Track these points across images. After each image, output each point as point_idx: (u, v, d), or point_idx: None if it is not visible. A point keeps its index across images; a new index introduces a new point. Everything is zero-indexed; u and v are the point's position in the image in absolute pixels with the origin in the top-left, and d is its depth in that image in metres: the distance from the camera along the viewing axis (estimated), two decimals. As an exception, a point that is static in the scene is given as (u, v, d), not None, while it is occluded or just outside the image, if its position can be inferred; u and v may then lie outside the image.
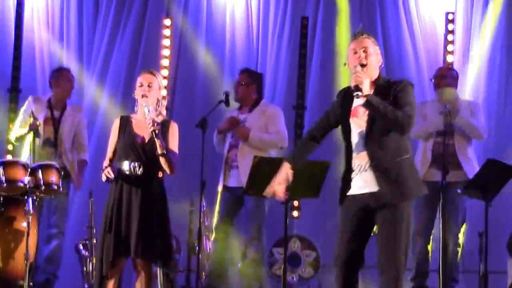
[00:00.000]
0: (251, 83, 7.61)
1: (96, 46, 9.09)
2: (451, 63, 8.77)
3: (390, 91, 4.86)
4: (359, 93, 4.76)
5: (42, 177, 6.78)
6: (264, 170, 6.28)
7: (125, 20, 9.09)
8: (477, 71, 8.86)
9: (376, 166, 4.81)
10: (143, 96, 5.61)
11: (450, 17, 8.91)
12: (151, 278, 5.64)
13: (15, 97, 8.76)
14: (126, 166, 5.58)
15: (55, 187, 6.86)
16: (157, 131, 5.45)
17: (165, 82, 8.76)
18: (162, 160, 5.54)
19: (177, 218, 7.38)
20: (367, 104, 4.75)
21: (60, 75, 7.95)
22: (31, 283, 6.64)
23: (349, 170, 4.89)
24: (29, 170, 6.78)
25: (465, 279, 7.73)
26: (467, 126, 7.34)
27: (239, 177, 7.32)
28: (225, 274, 7.57)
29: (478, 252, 7.20)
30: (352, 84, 4.80)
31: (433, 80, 7.57)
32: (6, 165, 6.87)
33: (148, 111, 5.53)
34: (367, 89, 4.79)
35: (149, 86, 5.63)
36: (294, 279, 8.09)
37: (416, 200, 6.62)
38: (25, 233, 6.52)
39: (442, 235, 6.89)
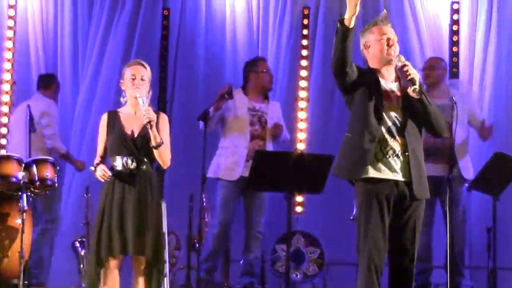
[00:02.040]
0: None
1: (90, 40, 8.87)
2: (457, 54, 8.65)
3: None
4: (417, 87, 4.66)
5: (37, 172, 6.63)
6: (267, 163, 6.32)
7: (120, 12, 8.88)
8: (483, 62, 8.69)
9: (412, 155, 4.73)
10: (136, 88, 5.41)
11: (455, 6, 8.74)
12: (147, 273, 5.41)
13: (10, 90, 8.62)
14: (118, 161, 5.38)
15: (50, 182, 6.72)
16: (152, 122, 5.28)
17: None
18: (156, 152, 5.36)
19: (176, 214, 7.38)
20: (420, 101, 4.70)
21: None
22: (26, 282, 6.49)
23: (381, 151, 4.74)
24: (23, 165, 6.62)
25: (474, 275, 7.65)
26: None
27: None
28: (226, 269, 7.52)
29: (486, 248, 7.11)
30: (407, 77, 4.67)
31: (423, 72, 7.39)
32: (0, 160, 6.74)
33: (143, 102, 5.34)
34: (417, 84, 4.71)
35: (142, 79, 5.44)
36: (298, 277, 7.90)
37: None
38: (20, 230, 6.38)
39: (448, 229, 6.54)
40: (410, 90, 4.67)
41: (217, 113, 7.29)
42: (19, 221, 6.40)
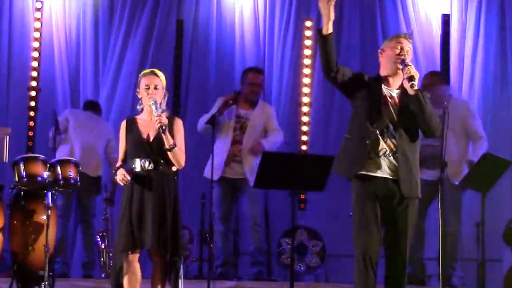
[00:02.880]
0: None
1: (111, 48, 9.06)
2: (447, 62, 8.72)
3: None
4: (414, 83, 4.75)
5: (61, 172, 6.73)
6: (272, 164, 6.31)
7: (137, 22, 9.07)
8: (472, 72, 8.81)
9: (402, 155, 4.82)
10: (150, 97, 5.56)
11: (446, 19, 8.84)
12: (165, 267, 5.57)
13: (35, 96, 8.76)
14: (137, 163, 5.56)
15: (73, 181, 6.81)
16: (164, 127, 5.42)
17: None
18: (170, 155, 5.51)
19: (189, 211, 7.59)
20: (417, 98, 4.75)
21: None
22: (50, 273, 6.58)
23: (373, 151, 4.84)
24: (48, 165, 6.72)
25: (464, 266, 7.66)
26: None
27: (239, 169, 7.41)
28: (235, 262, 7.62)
29: (475, 241, 7.21)
30: (407, 74, 4.76)
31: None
32: (27, 160, 6.83)
33: (156, 109, 5.49)
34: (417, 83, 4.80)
35: (155, 88, 5.59)
36: (302, 268, 8.04)
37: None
38: (45, 225, 6.44)
39: (441, 225, 6.71)
40: (407, 85, 4.77)
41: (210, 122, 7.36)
42: (44, 217, 6.44)
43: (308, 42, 8.81)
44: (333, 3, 4.70)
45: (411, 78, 4.76)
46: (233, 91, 7.64)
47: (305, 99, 8.72)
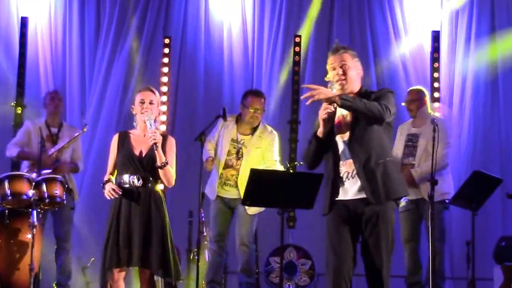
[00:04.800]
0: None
1: (97, 64, 9.09)
2: (437, 79, 8.78)
3: (370, 99, 4.82)
4: (335, 104, 4.72)
5: (47, 190, 6.72)
6: (260, 182, 6.16)
7: (123, 38, 9.10)
8: (462, 88, 8.86)
9: (362, 171, 4.78)
10: (144, 112, 5.59)
11: (436, 35, 8.92)
12: (152, 286, 5.58)
13: (20, 113, 8.76)
14: (125, 179, 5.57)
15: (59, 199, 6.80)
16: (157, 144, 5.44)
17: (164, 98, 8.85)
18: (161, 172, 5.54)
19: (177, 229, 7.44)
20: (343, 104, 4.69)
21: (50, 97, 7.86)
22: None
23: (336, 177, 4.84)
24: (33, 183, 6.70)
25: (454, 285, 7.76)
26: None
27: (234, 192, 7.25)
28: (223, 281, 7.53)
29: (465, 260, 7.19)
30: (326, 101, 4.75)
31: (403, 104, 7.38)
32: (12, 178, 6.82)
33: (150, 125, 5.52)
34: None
35: (150, 103, 5.64)
36: (291, 287, 8.03)
37: (399, 214, 6.65)
38: (30, 244, 6.42)
39: (431, 243, 6.66)
40: (334, 106, 4.74)
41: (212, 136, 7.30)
42: (29, 236, 6.44)
43: (297, 58, 8.85)
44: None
45: (330, 101, 4.74)
46: (222, 108, 7.44)
47: (295, 116, 8.75)
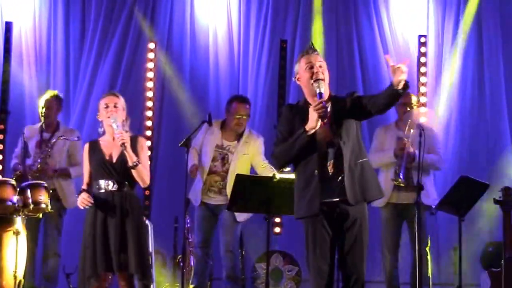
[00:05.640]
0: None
1: (82, 70, 9.07)
2: (424, 84, 8.78)
3: (344, 101, 4.85)
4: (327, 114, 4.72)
5: (31, 196, 6.61)
6: (246, 187, 6.29)
7: (109, 43, 9.09)
8: (450, 91, 8.87)
9: (347, 172, 4.78)
10: (110, 115, 5.63)
11: (423, 40, 8.92)
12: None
13: (4, 119, 8.69)
14: (100, 184, 5.64)
15: (44, 205, 6.69)
16: (126, 144, 5.49)
17: (150, 103, 8.84)
18: (134, 172, 5.59)
19: (162, 234, 7.60)
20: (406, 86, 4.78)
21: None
22: None
23: (323, 178, 4.81)
24: (18, 189, 6.61)
25: None
26: (425, 164, 7.11)
27: (219, 198, 7.24)
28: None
29: (452, 266, 7.34)
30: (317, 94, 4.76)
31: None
32: (-5, 184, 6.73)
33: (117, 126, 5.56)
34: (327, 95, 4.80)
35: (115, 106, 5.68)
36: None
37: (382, 219, 6.65)
38: (15, 251, 6.39)
39: (417, 248, 6.77)
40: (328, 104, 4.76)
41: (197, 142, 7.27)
42: (14, 242, 6.39)
43: (283, 63, 8.83)
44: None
45: (320, 95, 4.77)
46: (207, 113, 7.37)
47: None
